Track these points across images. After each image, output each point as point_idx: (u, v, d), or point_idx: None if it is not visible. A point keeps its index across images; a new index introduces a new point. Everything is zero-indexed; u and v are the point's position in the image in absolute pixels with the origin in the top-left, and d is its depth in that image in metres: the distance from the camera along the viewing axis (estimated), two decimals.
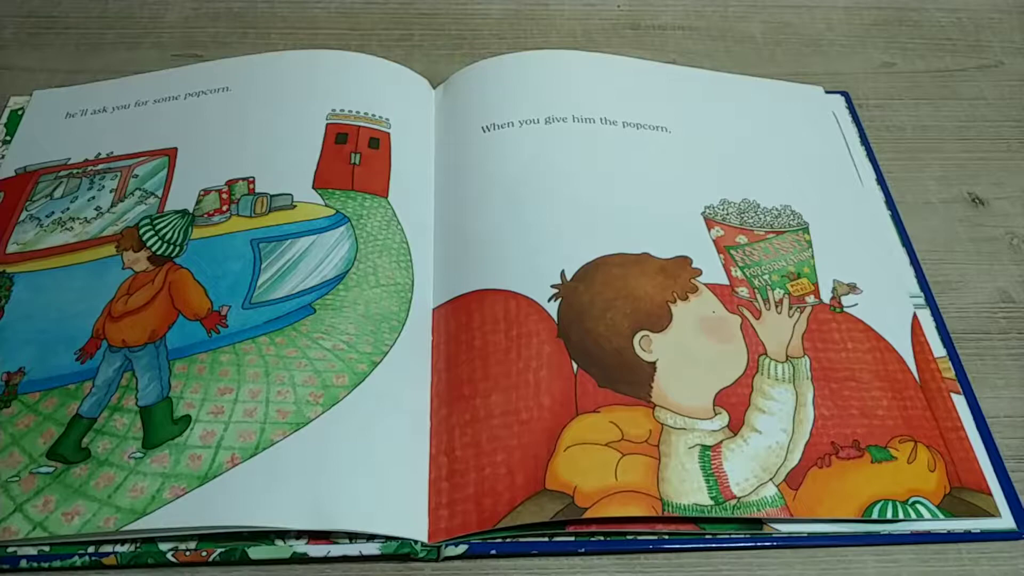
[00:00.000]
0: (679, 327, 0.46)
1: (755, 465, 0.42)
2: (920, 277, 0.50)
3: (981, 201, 0.56)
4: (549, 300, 0.47)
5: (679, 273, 0.48)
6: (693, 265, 0.49)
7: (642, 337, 0.46)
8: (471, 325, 0.46)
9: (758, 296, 0.48)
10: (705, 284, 0.48)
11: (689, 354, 0.45)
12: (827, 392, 0.45)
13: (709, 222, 0.51)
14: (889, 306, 0.49)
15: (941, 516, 0.41)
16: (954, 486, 0.42)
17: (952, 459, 0.43)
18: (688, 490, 0.41)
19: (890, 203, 0.54)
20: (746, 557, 0.41)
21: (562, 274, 0.48)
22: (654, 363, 0.45)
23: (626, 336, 0.46)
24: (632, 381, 0.44)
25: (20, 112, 0.57)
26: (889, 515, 0.41)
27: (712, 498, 0.41)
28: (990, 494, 0.42)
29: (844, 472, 0.42)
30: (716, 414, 0.43)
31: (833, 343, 0.47)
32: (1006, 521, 0.42)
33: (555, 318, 0.46)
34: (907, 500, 0.41)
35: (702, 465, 0.42)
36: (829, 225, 0.52)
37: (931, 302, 0.49)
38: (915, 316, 0.48)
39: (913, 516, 0.41)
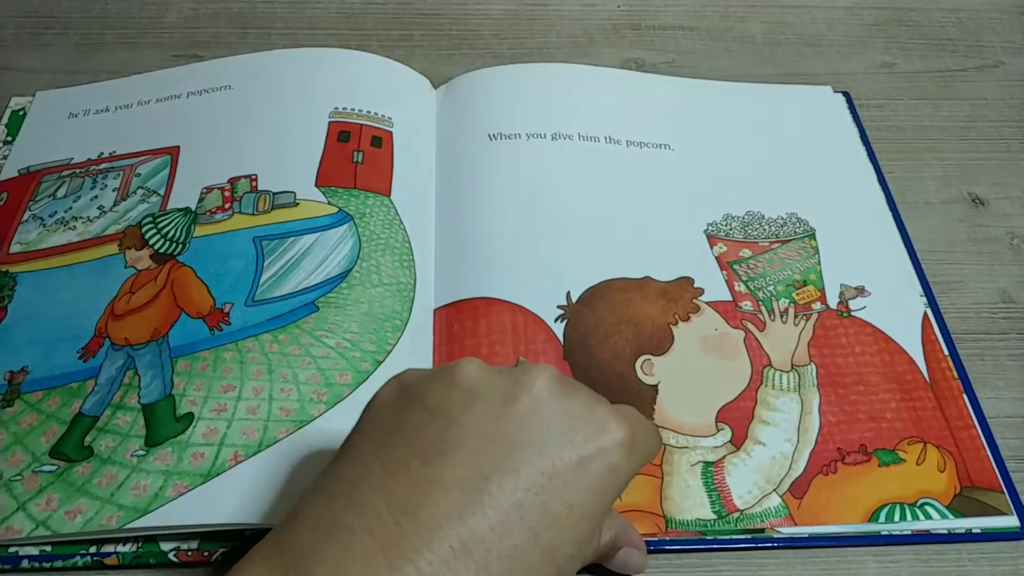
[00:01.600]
0: (681, 348, 0.46)
1: (758, 477, 0.42)
2: (921, 277, 0.50)
3: (981, 201, 0.56)
4: (556, 320, 0.47)
5: (680, 295, 0.48)
6: (696, 284, 0.49)
7: (644, 361, 0.46)
8: (477, 331, 0.46)
9: (762, 308, 0.48)
10: (708, 302, 0.48)
11: (691, 374, 0.45)
12: (833, 398, 0.45)
13: (712, 239, 0.51)
14: (898, 306, 0.49)
15: (951, 516, 0.41)
16: (965, 485, 0.42)
17: (963, 458, 0.43)
18: (690, 506, 0.41)
19: (890, 203, 0.54)
20: (746, 558, 0.41)
21: (568, 296, 0.48)
22: (656, 386, 0.45)
23: (628, 362, 0.46)
24: (635, 405, 0.43)
25: (22, 113, 0.57)
26: (896, 519, 0.41)
27: (715, 512, 0.41)
28: (1003, 491, 0.42)
29: (850, 478, 0.42)
30: (718, 430, 0.43)
31: (840, 348, 0.47)
32: (1008, 520, 0.41)
33: (561, 339, 0.46)
34: (915, 502, 0.41)
35: (704, 481, 0.42)
36: (835, 228, 0.52)
37: (932, 302, 0.49)
38: (925, 315, 0.48)
39: (922, 518, 0.41)
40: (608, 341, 0.46)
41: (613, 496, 0.32)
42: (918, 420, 0.44)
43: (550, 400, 0.32)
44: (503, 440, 0.30)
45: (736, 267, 0.50)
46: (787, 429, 0.44)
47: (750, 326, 0.47)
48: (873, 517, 0.41)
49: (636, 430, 0.33)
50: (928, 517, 0.41)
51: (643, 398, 0.44)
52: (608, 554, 0.37)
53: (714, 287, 0.49)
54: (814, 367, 0.46)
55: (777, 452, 0.43)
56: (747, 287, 0.49)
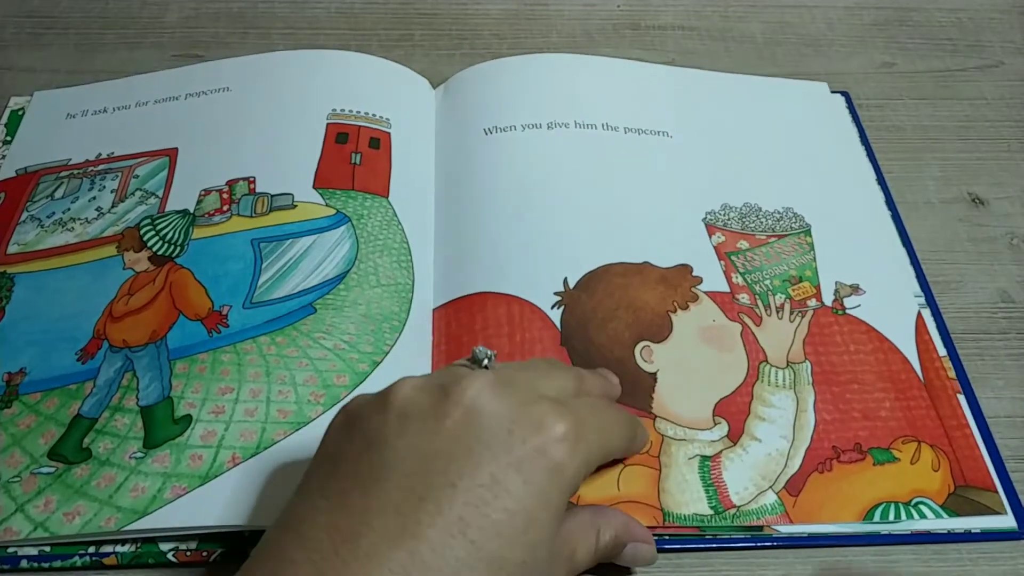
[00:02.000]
0: (679, 337, 0.46)
1: (754, 473, 0.42)
2: (920, 277, 0.50)
3: (981, 201, 0.56)
4: (552, 307, 0.47)
5: (680, 282, 0.48)
6: (694, 273, 0.49)
7: (643, 347, 0.46)
8: (473, 327, 0.46)
9: (759, 302, 0.48)
10: (706, 292, 0.48)
11: (689, 364, 0.45)
12: (828, 396, 0.45)
13: (710, 228, 0.51)
14: (893, 306, 0.49)
15: (945, 515, 0.41)
16: (959, 485, 0.42)
17: (957, 457, 0.43)
18: (688, 500, 0.41)
19: (890, 203, 0.54)
20: (747, 557, 0.41)
21: (564, 282, 0.48)
22: (655, 374, 0.45)
23: (627, 346, 0.46)
24: (633, 392, 0.44)
25: (21, 113, 0.58)
26: (891, 517, 0.41)
27: (712, 508, 0.41)
28: (996, 491, 0.42)
29: (845, 476, 0.42)
30: (715, 424, 0.43)
31: (835, 346, 0.47)
32: (1007, 520, 0.41)
33: (558, 326, 0.46)
34: (910, 501, 0.41)
35: (701, 475, 0.42)
36: (831, 226, 0.52)
37: (931, 302, 0.49)
38: (919, 314, 0.48)
39: (916, 517, 0.41)
40: (607, 326, 0.46)
41: (561, 495, 0.32)
42: (912, 419, 0.44)
43: (484, 408, 0.32)
44: (436, 458, 0.31)
45: (734, 258, 0.50)
46: (783, 426, 0.44)
47: (747, 320, 0.47)
48: (868, 516, 0.41)
49: (582, 423, 0.33)
50: (922, 516, 0.41)
51: (642, 385, 0.44)
52: (613, 553, 0.37)
53: (712, 277, 0.49)
54: (809, 364, 0.46)
55: (773, 449, 0.43)
56: (744, 279, 0.49)
